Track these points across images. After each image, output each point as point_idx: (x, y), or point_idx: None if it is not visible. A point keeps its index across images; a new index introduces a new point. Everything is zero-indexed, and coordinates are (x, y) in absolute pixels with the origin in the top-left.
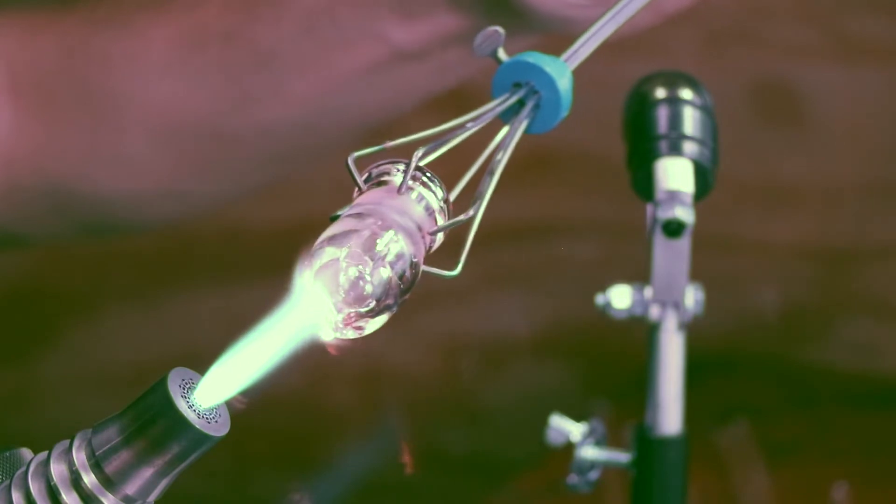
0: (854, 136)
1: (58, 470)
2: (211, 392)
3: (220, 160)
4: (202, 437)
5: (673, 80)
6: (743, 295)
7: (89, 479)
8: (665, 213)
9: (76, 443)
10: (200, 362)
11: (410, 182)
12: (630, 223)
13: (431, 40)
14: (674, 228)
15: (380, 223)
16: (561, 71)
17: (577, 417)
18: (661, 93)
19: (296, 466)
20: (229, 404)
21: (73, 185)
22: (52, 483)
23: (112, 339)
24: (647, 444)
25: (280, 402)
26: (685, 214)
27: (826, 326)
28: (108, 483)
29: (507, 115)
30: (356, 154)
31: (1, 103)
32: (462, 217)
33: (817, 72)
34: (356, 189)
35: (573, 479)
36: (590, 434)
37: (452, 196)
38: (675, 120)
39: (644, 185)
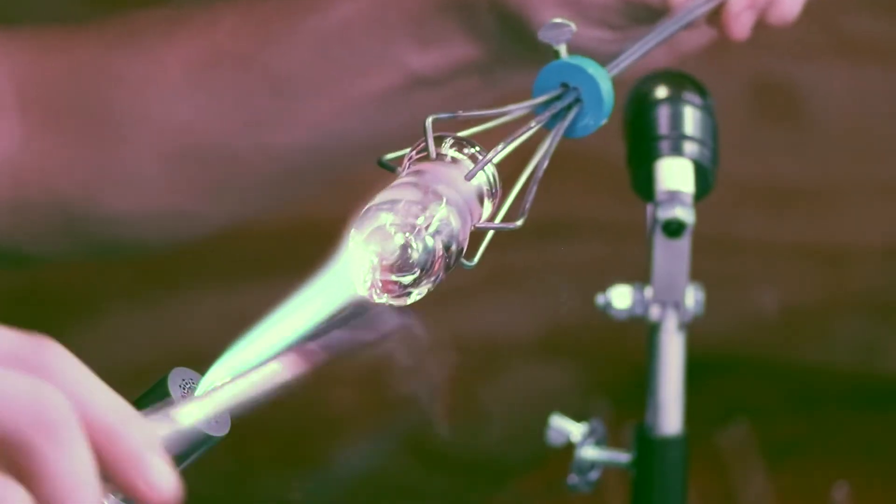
0: (854, 136)
1: None
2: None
3: (229, 182)
4: (202, 438)
5: (673, 80)
6: (743, 295)
7: None
8: (665, 213)
9: None
10: (200, 362)
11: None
12: (630, 223)
13: (448, 68)
14: (674, 228)
15: (437, 197)
16: (606, 82)
17: (577, 417)
18: (661, 92)
19: (296, 466)
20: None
21: (82, 204)
22: None
23: (112, 340)
24: (647, 444)
25: (280, 402)
26: (685, 214)
27: (826, 326)
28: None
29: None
30: (433, 117)
31: (10, 121)
32: (510, 225)
33: (817, 71)
34: (414, 150)
35: (573, 479)
36: (590, 434)
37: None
38: (676, 120)
39: (644, 185)
